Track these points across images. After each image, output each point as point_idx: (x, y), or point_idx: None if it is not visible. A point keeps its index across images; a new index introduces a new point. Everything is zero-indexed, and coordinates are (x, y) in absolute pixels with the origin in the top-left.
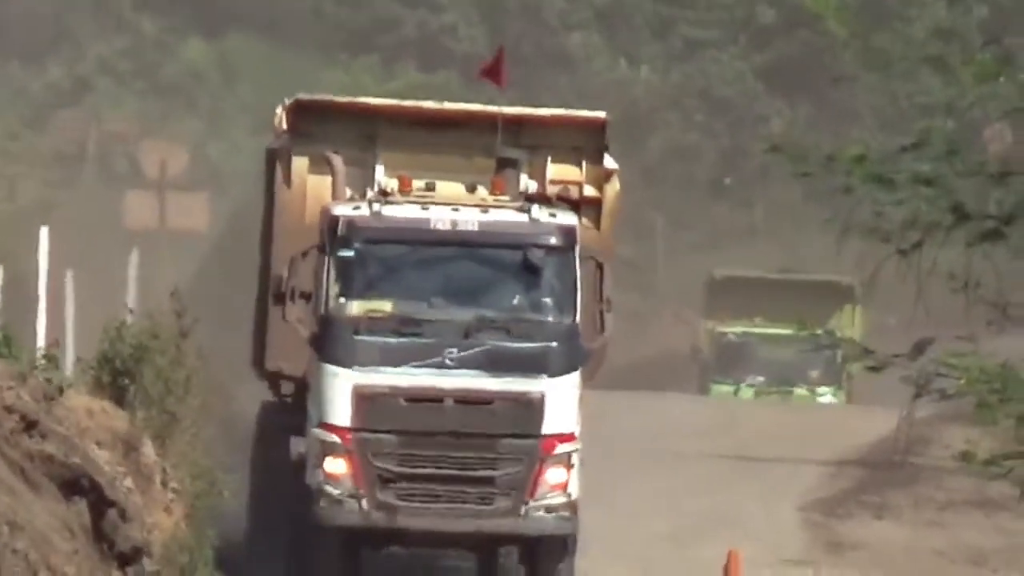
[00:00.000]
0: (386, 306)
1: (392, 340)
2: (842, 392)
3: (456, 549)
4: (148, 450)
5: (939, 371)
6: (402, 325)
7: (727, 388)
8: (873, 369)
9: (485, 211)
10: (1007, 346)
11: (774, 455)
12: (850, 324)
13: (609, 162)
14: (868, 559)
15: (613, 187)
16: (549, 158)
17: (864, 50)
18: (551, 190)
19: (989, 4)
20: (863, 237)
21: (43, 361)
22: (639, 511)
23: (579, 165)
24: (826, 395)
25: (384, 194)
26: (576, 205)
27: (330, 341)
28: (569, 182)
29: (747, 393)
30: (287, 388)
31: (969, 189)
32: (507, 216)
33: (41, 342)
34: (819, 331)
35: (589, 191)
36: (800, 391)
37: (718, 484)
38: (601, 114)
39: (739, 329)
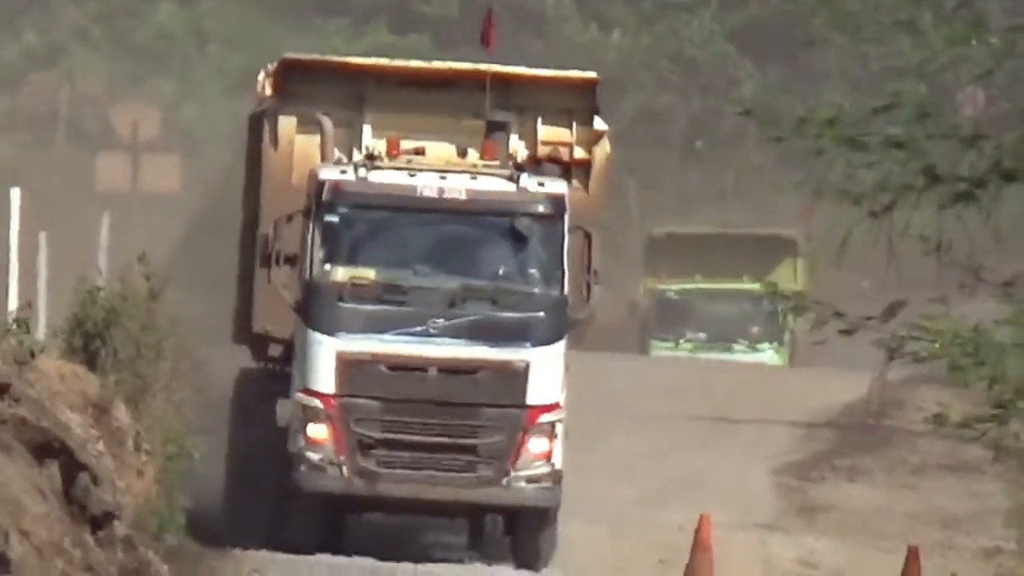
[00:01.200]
0: (371, 273)
1: (376, 307)
2: (784, 348)
3: (438, 517)
4: (120, 414)
5: (912, 334)
6: (387, 292)
7: (667, 345)
8: (845, 332)
9: (473, 178)
10: (979, 309)
11: (746, 417)
12: (792, 277)
13: (599, 124)
14: (840, 522)
15: (603, 149)
16: (539, 119)
17: (835, 13)
18: (541, 151)
19: None
20: (835, 200)
21: (14, 325)
22: (609, 474)
23: (569, 127)
24: (767, 351)
25: (371, 158)
26: (566, 167)
27: (314, 307)
28: (559, 143)
29: (686, 349)
30: (274, 351)
31: (941, 152)
32: (495, 184)
33: (12, 306)
34: (757, 285)
35: (579, 153)
36: (740, 347)
37: (689, 446)
38: (592, 75)
39: (678, 286)
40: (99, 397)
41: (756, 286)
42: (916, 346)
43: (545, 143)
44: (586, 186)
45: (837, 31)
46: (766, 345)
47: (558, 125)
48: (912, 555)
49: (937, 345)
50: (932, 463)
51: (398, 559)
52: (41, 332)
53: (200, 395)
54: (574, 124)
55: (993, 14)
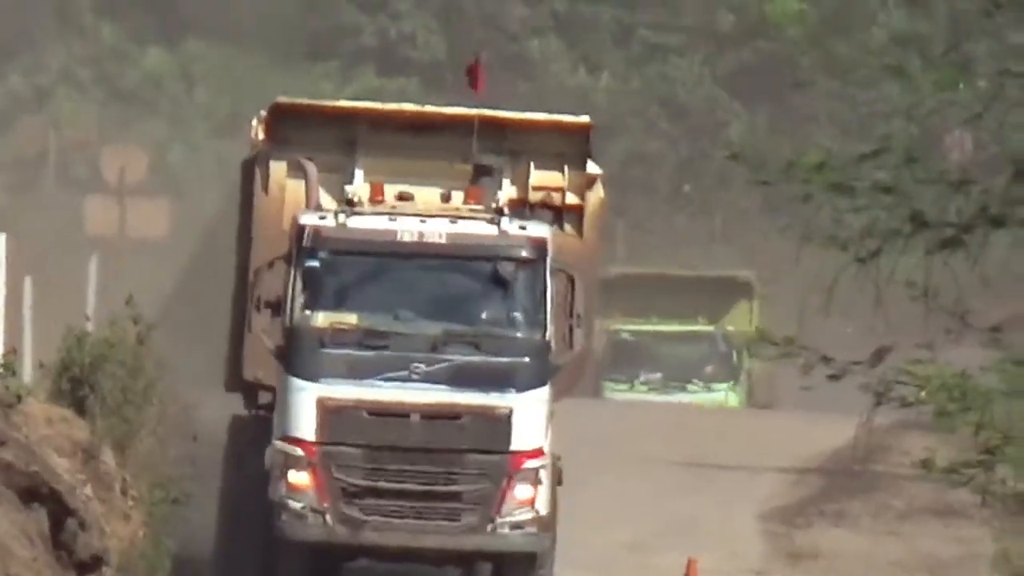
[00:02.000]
0: (352, 318)
1: (358, 353)
2: (739, 388)
3: (424, 564)
4: (108, 458)
5: (899, 379)
6: (368, 338)
7: (621, 387)
8: (833, 377)
9: (454, 222)
10: (965, 355)
11: (733, 462)
12: (747, 320)
13: (593, 168)
14: (826, 568)
15: (596, 194)
16: (532, 164)
17: (824, 57)
18: (533, 196)
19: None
20: (822, 245)
21: (1, 368)
22: (597, 518)
23: (562, 171)
24: (721, 391)
25: (350, 204)
26: (558, 212)
27: (295, 353)
28: (552, 188)
29: (641, 390)
30: (264, 398)
31: (928, 197)
32: (476, 228)
33: None
34: (711, 326)
35: (572, 198)
36: (695, 387)
37: (676, 491)
38: (585, 119)
39: (633, 327)
40: (87, 442)
41: (710, 327)
42: (903, 391)
43: (537, 188)
44: (580, 231)
45: (826, 75)
46: (721, 385)
47: (551, 169)
48: None
49: (924, 391)
50: (918, 508)
51: None
52: (28, 376)
53: (188, 440)
54: (567, 169)
55: (981, 58)
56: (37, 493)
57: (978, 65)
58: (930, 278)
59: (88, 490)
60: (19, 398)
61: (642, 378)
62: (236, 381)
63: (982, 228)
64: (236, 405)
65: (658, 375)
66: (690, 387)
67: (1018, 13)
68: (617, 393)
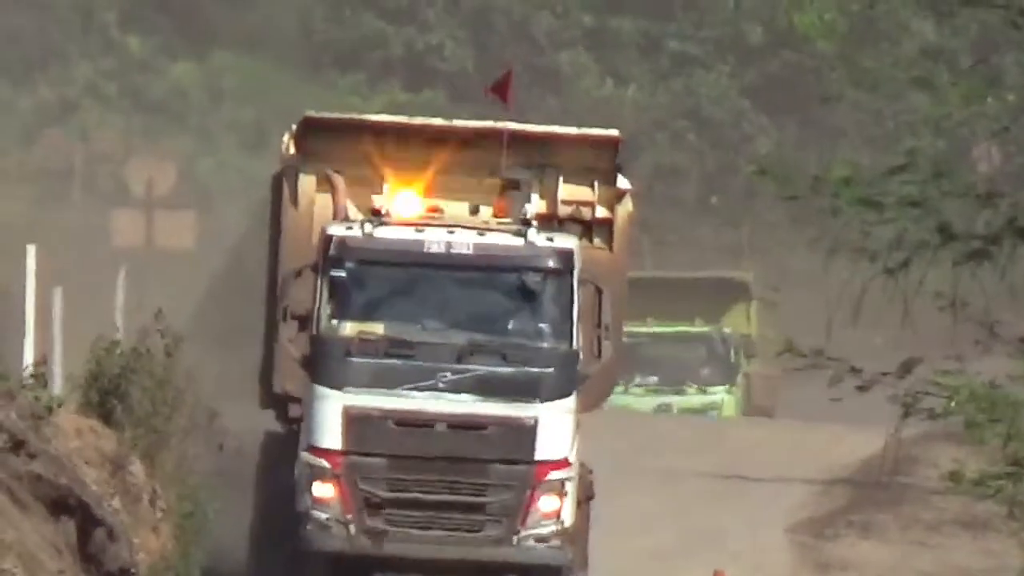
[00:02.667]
0: (378, 328)
1: (384, 362)
2: (736, 390)
3: (445, 575)
4: (136, 469)
5: (927, 391)
6: (394, 347)
7: (616, 390)
8: (861, 388)
9: (481, 234)
10: (993, 366)
11: (760, 474)
12: (745, 321)
13: (622, 182)
14: None
15: (626, 208)
16: (561, 178)
17: (852, 70)
18: (563, 211)
19: (978, 23)
20: (850, 257)
21: (31, 380)
22: (623, 530)
23: (591, 185)
24: (719, 394)
25: (376, 214)
26: (588, 226)
27: (321, 362)
28: (581, 203)
29: (637, 393)
30: (295, 411)
31: (956, 210)
32: (503, 239)
33: (28, 361)
34: (707, 328)
35: (601, 212)
36: (691, 390)
37: (703, 503)
38: (614, 133)
39: (629, 329)
40: (115, 453)
41: (707, 329)
42: (931, 402)
43: (567, 202)
44: (609, 245)
45: (853, 87)
46: (718, 388)
47: (580, 184)
48: None
49: (953, 402)
50: (947, 520)
51: None
52: (57, 387)
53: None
54: (596, 183)
55: (1009, 71)
56: (66, 505)
57: (1006, 78)
58: (958, 290)
59: (116, 502)
60: (49, 410)
61: (638, 381)
62: (269, 397)
63: (1010, 240)
64: (266, 417)
65: (654, 378)
66: (687, 390)
67: None
68: (613, 396)
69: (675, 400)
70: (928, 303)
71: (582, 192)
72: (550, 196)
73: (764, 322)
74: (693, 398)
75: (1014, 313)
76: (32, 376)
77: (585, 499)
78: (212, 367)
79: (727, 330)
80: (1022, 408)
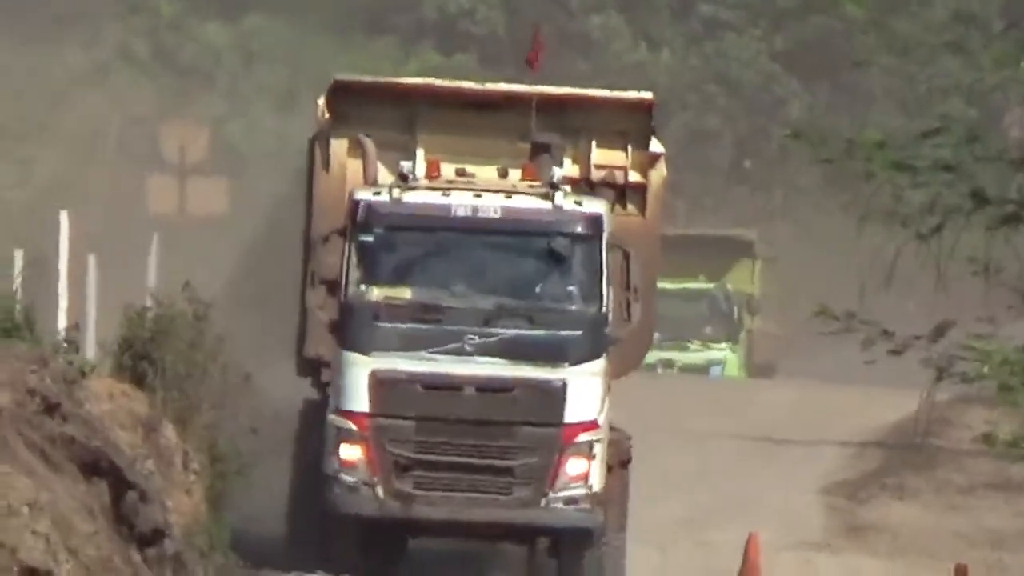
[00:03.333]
0: (406, 292)
1: (412, 326)
2: (739, 347)
3: (475, 540)
4: (169, 432)
5: (960, 355)
6: (422, 312)
7: None
8: (894, 352)
9: (508, 197)
10: None
11: (791, 436)
12: (749, 278)
13: (656, 146)
14: (888, 542)
15: (659, 172)
16: (594, 142)
17: (884, 34)
18: (595, 175)
19: None
20: (883, 222)
21: (64, 344)
22: (654, 493)
23: (624, 149)
24: (721, 351)
25: (404, 179)
26: (621, 191)
27: (349, 327)
28: (614, 167)
29: None
30: (327, 375)
31: (989, 174)
32: (530, 203)
33: (62, 325)
34: (710, 285)
35: (634, 176)
36: (694, 346)
37: (735, 465)
38: (648, 95)
39: None
40: (148, 416)
41: (711, 285)
42: (964, 366)
43: (599, 166)
44: (642, 210)
45: (885, 52)
46: (722, 344)
47: (613, 148)
48: (960, 574)
49: (986, 367)
50: (980, 483)
51: None
52: (90, 352)
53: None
54: (629, 147)
55: None
56: (98, 467)
57: None
58: (991, 255)
59: (149, 464)
60: (82, 374)
61: None
62: (303, 363)
63: None
64: (303, 382)
65: (657, 334)
66: (690, 346)
67: None
68: None
69: (678, 356)
70: (961, 268)
71: (615, 156)
72: (583, 160)
73: (767, 280)
74: (696, 354)
75: None
76: (65, 341)
77: (622, 464)
78: (249, 333)
79: (730, 287)
80: None
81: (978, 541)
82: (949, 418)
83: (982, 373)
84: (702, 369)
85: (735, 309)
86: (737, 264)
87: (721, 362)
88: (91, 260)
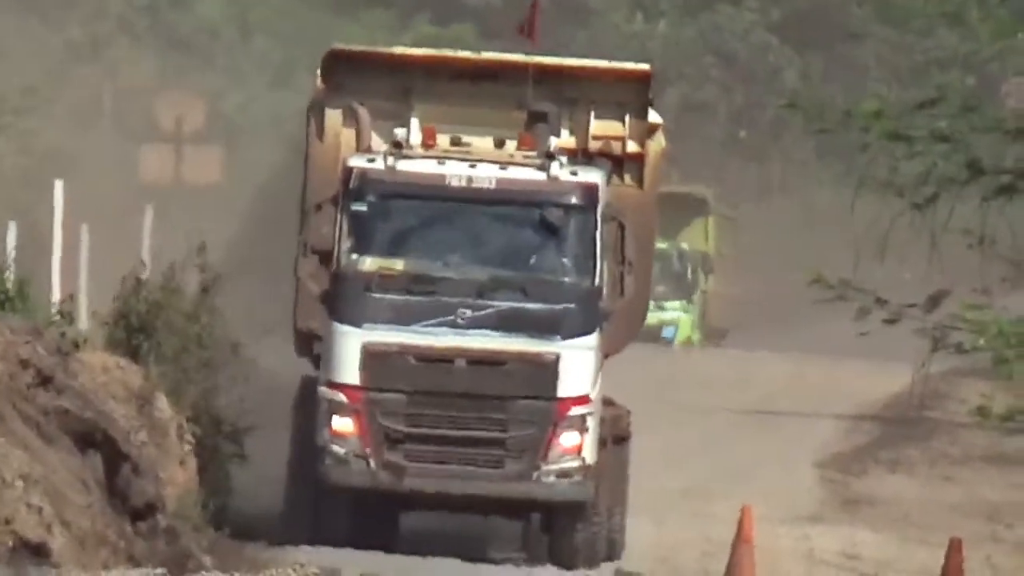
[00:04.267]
0: (398, 263)
1: (404, 298)
2: (694, 307)
3: (469, 513)
4: (163, 404)
5: (955, 325)
6: (414, 283)
7: None
8: (889, 321)
9: (503, 167)
10: (1021, 301)
11: (787, 409)
12: (703, 237)
13: (654, 117)
14: (882, 515)
15: (658, 143)
16: (591, 112)
17: (881, 5)
18: (593, 145)
19: None
20: (878, 191)
21: (58, 316)
22: (650, 466)
23: (622, 120)
24: (676, 310)
25: (398, 146)
26: (619, 162)
27: (341, 298)
28: (612, 137)
29: None
30: (318, 348)
31: (985, 145)
32: (525, 173)
33: (56, 296)
34: (663, 244)
35: (632, 147)
36: None
37: (731, 438)
38: (645, 66)
39: None
40: (142, 388)
41: (664, 245)
42: (959, 337)
43: (596, 137)
44: (639, 181)
45: (882, 23)
46: (675, 305)
47: (610, 118)
48: (954, 547)
49: (981, 339)
50: (974, 455)
51: (449, 556)
52: (84, 323)
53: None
54: (627, 117)
55: None
56: (92, 439)
57: None
58: (986, 225)
59: (143, 436)
60: (76, 346)
61: None
62: (300, 340)
63: None
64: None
65: None
66: None
67: None
68: None
69: None
70: (956, 239)
71: (613, 127)
72: (580, 130)
73: (722, 239)
74: (649, 315)
75: None
76: (59, 312)
77: (619, 439)
78: (244, 304)
79: (684, 246)
80: None
81: (972, 513)
82: (944, 391)
83: (977, 344)
84: (654, 331)
85: (689, 269)
86: (692, 222)
87: (674, 323)
88: (84, 229)
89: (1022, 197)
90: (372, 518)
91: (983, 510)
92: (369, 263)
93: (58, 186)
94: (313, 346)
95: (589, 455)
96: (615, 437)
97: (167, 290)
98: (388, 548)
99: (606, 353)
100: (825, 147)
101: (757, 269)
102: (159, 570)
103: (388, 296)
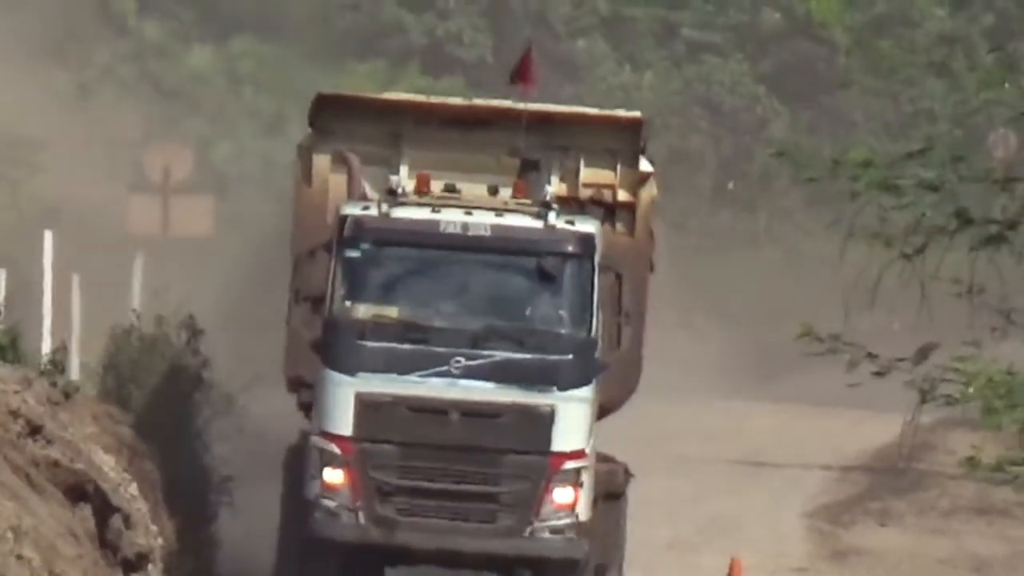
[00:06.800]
0: (393, 311)
1: (398, 347)
2: None
3: (459, 569)
4: (153, 456)
5: (944, 376)
6: (408, 332)
7: None
8: (878, 374)
9: (499, 215)
10: (1010, 352)
11: (778, 460)
12: None
13: (645, 165)
14: (871, 566)
15: (649, 191)
16: (582, 160)
17: (868, 56)
18: (584, 193)
19: (995, 11)
20: (867, 242)
21: (49, 366)
22: (642, 517)
23: (613, 168)
24: None
25: (392, 194)
26: (610, 210)
27: (333, 346)
28: (603, 185)
29: None
30: (306, 396)
31: (973, 194)
32: (521, 221)
33: (47, 347)
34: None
35: (623, 195)
36: None
37: (721, 489)
38: (637, 114)
39: None
40: (132, 439)
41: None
42: (948, 388)
43: (588, 185)
44: (631, 229)
45: (870, 74)
46: None
47: (601, 166)
48: None
49: (970, 388)
50: (963, 507)
51: None
52: (75, 373)
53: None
54: (619, 165)
55: None
56: (83, 491)
57: (1022, 64)
58: (975, 275)
59: (134, 488)
60: (67, 396)
61: None
62: (292, 388)
63: None
64: (290, 404)
65: None
66: None
67: None
68: None
69: None
70: (945, 289)
71: (604, 175)
72: (571, 178)
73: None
74: None
75: None
76: (50, 362)
77: (612, 495)
78: (237, 354)
79: None
80: None
81: (961, 565)
82: (932, 442)
83: (966, 395)
84: None
85: None
86: None
87: None
88: (75, 280)
89: (1010, 247)
90: (359, 569)
91: (972, 562)
92: (363, 311)
93: (47, 236)
94: (301, 394)
95: (583, 511)
96: (607, 494)
97: (157, 340)
98: None
99: (607, 409)
100: (814, 197)
101: (746, 318)
102: None
103: (382, 345)
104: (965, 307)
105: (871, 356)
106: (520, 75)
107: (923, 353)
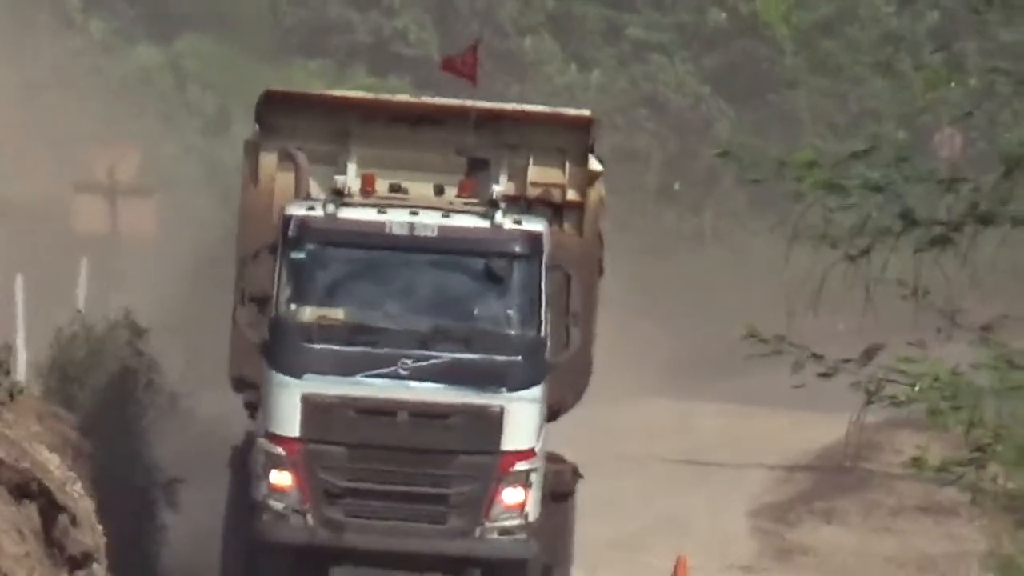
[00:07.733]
0: (339, 313)
1: (345, 348)
2: None
3: (408, 571)
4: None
5: (889, 377)
6: (355, 333)
7: None
8: (824, 375)
9: (446, 215)
10: (955, 353)
11: (723, 459)
12: None
13: (595, 164)
14: (817, 565)
15: (598, 191)
16: (531, 159)
17: (814, 55)
18: (532, 192)
19: (940, 10)
20: (812, 243)
21: None
22: (585, 516)
23: (562, 167)
24: None
25: (339, 194)
26: (558, 209)
27: (279, 348)
28: (551, 184)
29: None
30: (250, 396)
31: (919, 195)
32: (468, 221)
33: None
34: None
35: (572, 195)
36: None
37: (665, 489)
38: (586, 113)
39: None
40: (77, 438)
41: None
42: (894, 389)
43: (536, 184)
44: (580, 229)
45: (815, 73)
46: None
47: (550, 165)
48: None
49: (916, 388)
50: (909, 506)
51: None
52: (21, 373)
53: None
54: (567, 164)
55: (971, 56)
56: (28, 489)
57: (968, 62)
58: (920, 276)
59: (79, 487)
60: (11, 395)
61: None
62: (237, 388)
63: (972, 226)
64: (236, 404)
65: None
66: None
67: (1008, 12)
68: None
69: None
70: (890, 290)
71: (552, 174)
72: (519, 177)
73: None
74: None
75: (976, 300)
76: None
77: (562, 495)
78: (182, 354)
79: None
80: (984, 395)
81: (906, 564)
82: (879, 442)
83: (912, 396)
84: None
85: None
86: None
87: None
88: (19, 281)
89: (956, 248)
90: (306, 571)
91: (918, 560)
92: (309, 313)
93: None
94: (245, 393)
95: (532, 512)
96: (556, 494)
97: (103, 340)
98: None
99: (557, 411)
100: (759, 197)
101: (691, 319)
102: None
103: (328, 346)
104: (910, 308)
105: (816, 357)
106: (462, 69)
107: (869, 354)
